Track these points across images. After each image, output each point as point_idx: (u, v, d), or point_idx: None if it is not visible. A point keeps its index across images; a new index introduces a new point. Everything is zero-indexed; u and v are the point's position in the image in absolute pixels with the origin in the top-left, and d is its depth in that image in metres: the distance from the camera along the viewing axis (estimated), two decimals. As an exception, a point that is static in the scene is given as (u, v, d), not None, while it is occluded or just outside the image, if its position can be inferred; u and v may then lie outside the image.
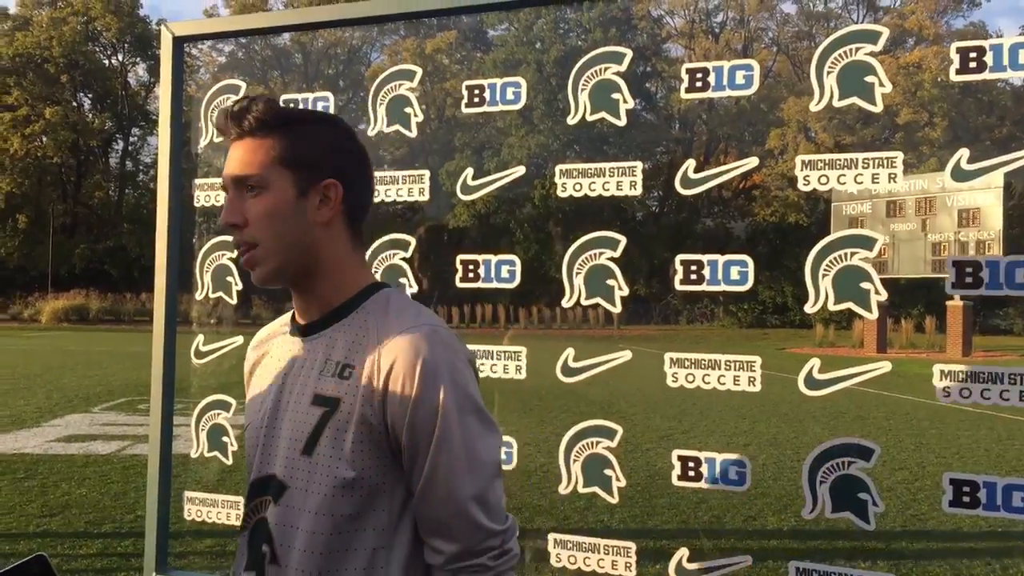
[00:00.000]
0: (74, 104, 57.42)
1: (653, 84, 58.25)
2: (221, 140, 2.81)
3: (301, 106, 2.65)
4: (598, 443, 2.36)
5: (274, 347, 1.54)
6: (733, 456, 2.24)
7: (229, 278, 2.81)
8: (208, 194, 2.84)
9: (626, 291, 2.31)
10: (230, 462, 2.86)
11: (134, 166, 62.42)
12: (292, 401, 1.43)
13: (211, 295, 2.84)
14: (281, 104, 1.49)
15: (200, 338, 2.87)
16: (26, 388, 14.33)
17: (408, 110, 2.60)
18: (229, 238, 2.78)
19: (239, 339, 2.94)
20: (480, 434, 1.36)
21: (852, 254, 2.10)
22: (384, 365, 1.34)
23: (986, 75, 2.01)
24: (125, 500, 6.87)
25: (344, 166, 1.45)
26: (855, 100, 2.11)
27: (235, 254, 2.81)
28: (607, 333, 32.33)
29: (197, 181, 2.86)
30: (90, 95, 59.50)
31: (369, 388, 1.35)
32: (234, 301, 2.83)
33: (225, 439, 2.84)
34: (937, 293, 29.55)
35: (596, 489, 2.37)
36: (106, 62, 59.89)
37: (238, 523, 2.86)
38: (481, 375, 2.48)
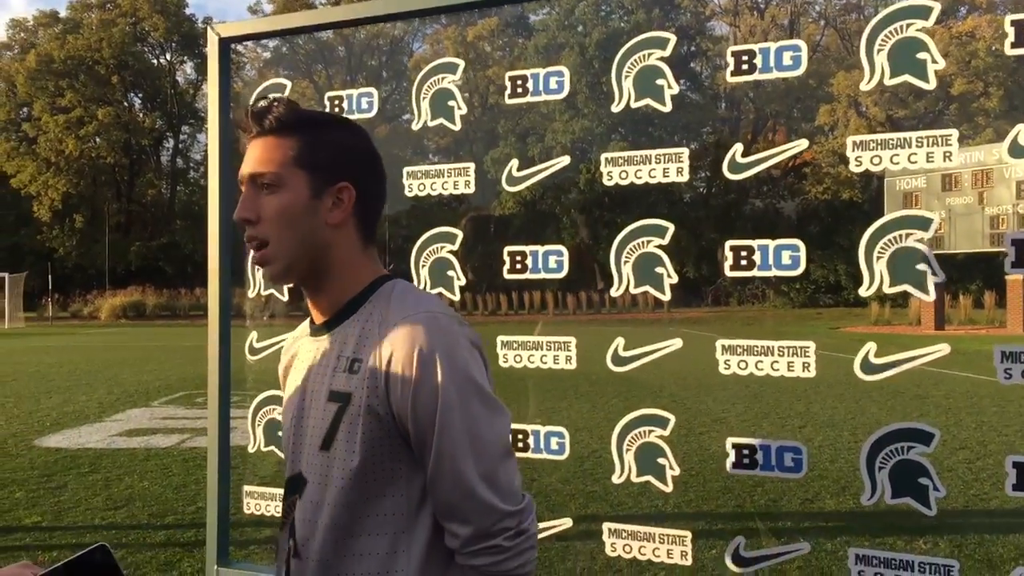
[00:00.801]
0: (125, 104, 58.52)
1: (698, 64, 57.61)
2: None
3: (345, 102, 2.67)
4: (651, 432, 2.34)
5: (300, 349, 1.58)
6: (789, 443, 2.21)
7: (280, 275, 2.84)
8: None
9: (675, 278, 2.29)
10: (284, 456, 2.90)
11: (184, 163, 63.56)
12: (313, 400, 1.47)
13: (263, 292, 2.87)
14: (302, 108, 1.52)
15: (254, 335, 2.92)
16: (87, 384, 14.68)
17: (451, 103, 2.60)
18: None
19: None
20: (483, 416, 1.37)
21: (907, 235, 2.06)
22: (385, 355, 1.37)
23: (1043, 47, 1.95)
24: (186, 492, 7.01)
25: (358, 170, 1.48)
26: (907, 78, 2.06)
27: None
28: (657, 317, 32.11)
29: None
30: (140, 95, 60.60)
31: (374, 379, 1.37)
32: (285, 298, 2.86)
33: (280, 433, 2.87)
34: (996, 268, 28.88)
35: (650, 478, 2.36)
36: (155, 62, 60.92)
37: (296, 516, 2.92)
38: (531, 366, 2.50)
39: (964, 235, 29.29)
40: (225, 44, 2.80)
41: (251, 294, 2.87)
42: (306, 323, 1.60)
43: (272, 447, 2.88)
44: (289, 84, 2.86)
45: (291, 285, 1.53)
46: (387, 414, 1.37)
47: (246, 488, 2.94)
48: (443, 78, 2.61)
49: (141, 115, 59.61)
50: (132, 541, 5.70)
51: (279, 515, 2.88)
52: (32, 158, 53.34)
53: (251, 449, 2.92)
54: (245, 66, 62.39)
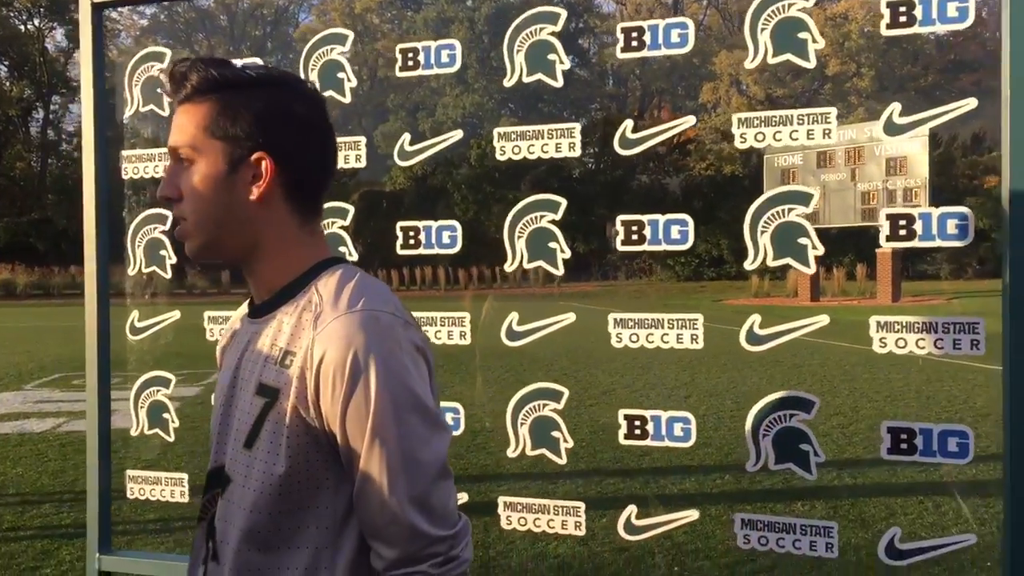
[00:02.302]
0: (-11, 72, 55.28)
1: (586, 40, 58.14)
2: (147, 109, 2.74)
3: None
4: (545, 406, 2.37)
5: (239, 330, 1.44)
6: (679, 413, 2.27)
7: (163, 252, 2.74)
8: (136, 166, 2.76)
9: (568, 253, 2.31)
10: (172, 439, 2.81)
11: (56, 135, 60.44)
12: (241, 388, 1.35)
13: (144, 269, 2.77)
14: (229, 66, 1.33)
15: (135, 313, 2.80)
16: (-47, 368, 13.92)
17: (341, 75, 2.55)
18: (161, 211, 2.71)
19: (176, 314, 2.88)
20: (420, 433, 1.24)
21: (789, 210, 2.13)
22: (316, 355, 1.23)
23: (916, 28, 2.04)
24: (63, 478, 6.74)
25: (279, 137, 1.31)
26: (789, 56, 2.12)
27: (168, 227, 2.74)
28: (547, 291, 32.48)
29: (124, 152, 2.77)
30: (6, 62, 57.28)
31: (302, 381, 1.24)
32: (168, 275, 2.76)
33: (166, 416, 2.79)
34: (867, 241, 30.24)
35: (544, 451, 2.39)
36: (21, 28, 57.65)
37: (182, 499, 2.84)
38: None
39: (838, 210, 30.61)
40: (98, 10, 2.67)
41: (131, 271, 2.76)
42: (247, 302, 1.45)
43: (156, 430, 2.79)
44: (169, 52, 2.74)
45: (216, 262, 1.37)
46: (315, 420, 1.24)
47: (129, 472, 2.84)
48: (332, 49, 2.55)
49: (8, 84, 56.40)
50: (8, 529, 5.46)
51: (164, 499, 2.81)
52: None
53: (134, 432, 2.82)
54: (120, 34, 59.71)
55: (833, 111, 2.11)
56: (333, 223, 2.58)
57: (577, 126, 2.33)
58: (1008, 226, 1.93)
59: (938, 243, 2.01)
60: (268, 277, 1.35)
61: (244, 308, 1.46)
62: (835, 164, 30.52)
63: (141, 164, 2.75)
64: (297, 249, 1.35)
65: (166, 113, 2.69)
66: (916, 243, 2.02)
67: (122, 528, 5.31)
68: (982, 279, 38.05)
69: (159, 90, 2.70)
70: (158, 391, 2.79)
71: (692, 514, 2.39)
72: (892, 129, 2.11)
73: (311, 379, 1.23)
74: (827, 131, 2.11)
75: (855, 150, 30.13)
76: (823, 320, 2.19)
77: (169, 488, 2.78)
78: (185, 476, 2.80)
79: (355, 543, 1.28)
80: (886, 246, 2.08)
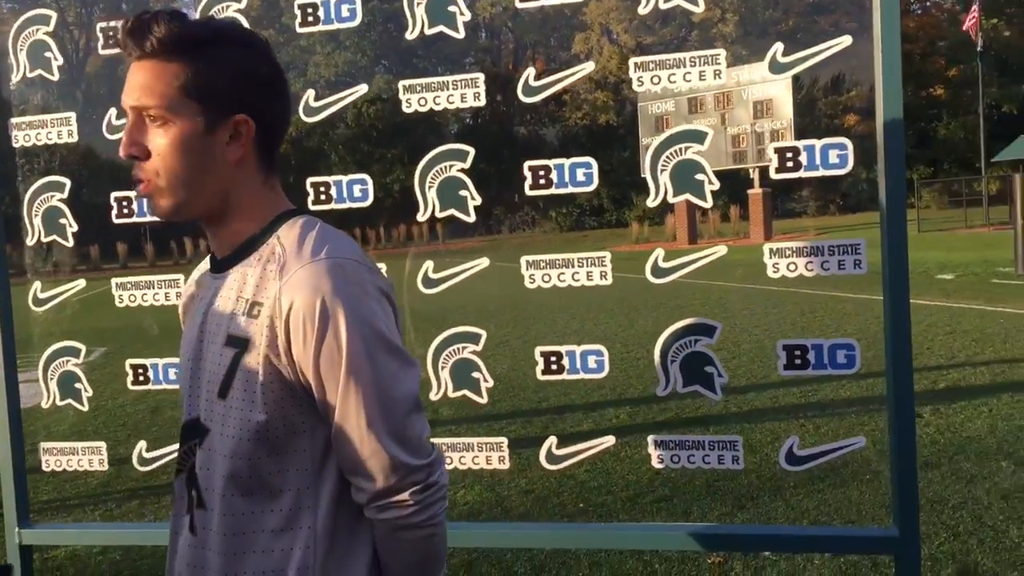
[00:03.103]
0: None
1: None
2: (35, 74, 2.66)
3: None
4: (464, 348, 2.46)
5: (200, 286, 1.47)
6: (591, 347, 2.39)
7: (63, 220, 2.69)
8: (28, 133, 2.68)
9: (479, 201, 2.39)
10: (86, 408, 2.78)
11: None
12: (209, 341, 1.37)
13: (44, 239, 2.71)
14: (190, 20, 1.32)
15: (37, 285, 2.74)
16: None
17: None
18: (58, 178, 2.65)
19: (81, 282, 2.83)
20: (391, 370, 1.30)
21: (687, 148, 2.26)
22: (284, 304, 1.27)
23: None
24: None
25: (258, 98, 1.34)
26: (680, 2, 2.23)
27: (66, 195, 2.68)
28: (432, 248, 32.48)
29: (14, 120, 2.68)
30: None
31: (272, 330, 1.28)
32: (70, 244, 2.71)
33: (78, 386, 2.75)
34: (740, 183, 31.37)
35: (466, 392, 2.48)
36: None
37: (101, 468, 2.82)
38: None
39: (711, 154, 31.14)
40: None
41: (30, 242, 2.69)
42: (207, 259, 1.47)
43: (69, 400, 2.75)
44: (54, 15, 2.66)
45: (182, 221, 1.38)
46: (287, 366, 1.29)
47: (43, 445, 2.80)
48: (228, 7, 2.53)
49: None
50: None
51: (81, 468, 2.78)
52: None
53: (45, 405, 2.77)
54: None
55: (723, 53, 2.24)
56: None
57: (481, 76, 2.39)
58: (882, 160, 2.11)
59: (821, 172, 2.17)
60: (235, 229, 1.38)
61: (204, 265, 1.48)
62: (706, 110, 31.40)
63: (33, 131, 2.67)
64: (261, 202, 1.38)
65: (56, 78, 2.62)
66: (802, 173, 2.19)
67: (42, 500, 5.17)
68: (844, 214, 40.04)
69: (47, 54, 2.62)
70: (68, 361, 2.75)
71: (609, 439, 2.53)
72: (776, 68, 2.25)
73: (281, 327, 1.27)
74: (717, 72, 2.24)
75: (724, 95, 31.05)
76: (721, 251, 2.35)
77: (87, 457, 2.75)
78: (103, 444, 2.78)
79: (335, 482, 1.33)
80: (776, 177, 2.23)
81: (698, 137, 2.29)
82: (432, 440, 1.39)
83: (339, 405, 1.28)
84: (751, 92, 30.28)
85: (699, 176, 2.27)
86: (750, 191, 30.95)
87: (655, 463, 2.39)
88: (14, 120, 2.68)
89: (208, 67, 1.29)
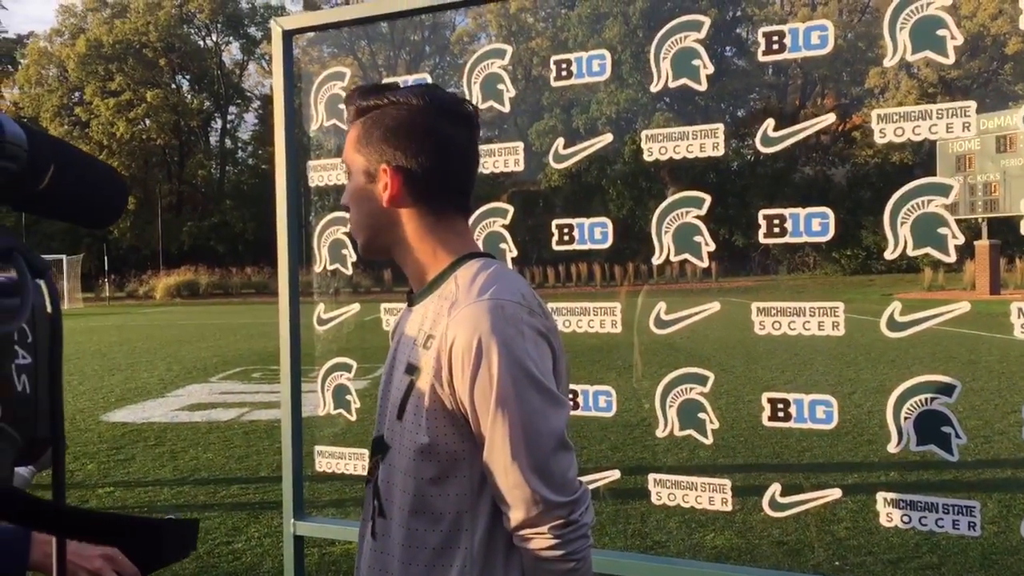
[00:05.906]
0: (173, 86, 59.41)
1: (743, 29, 56.80)
2: (331, 123, 3.06)
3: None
4: (691, 389, 2.52)
5: (402, 317, 1.65)
6: (820, 396, 2.37)
7: (344, 251, 3.06)
8: (321, 174, 3.08)
9: (713, 247, 2.45)
10: (354, 419, 3.12)
11: (233, 144, 64.37)
12: (396, 367, 1.55)
13: (328, 267, 3.09)
14: (377, 88, 1.56)
15: (321, 307, 3.13)
16: (147, 361, 15.17)
17: (500, 87, 2.77)
18: (343, 214, 3.03)
19: (356, 306, 3.20)
20: (537, 407, 1.38)
21: (928, 202, 2.20)
22: (449, 338, 1.40)
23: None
24: (248, 463, 7.33)
25: (397, 150, 1.49)
26: (928, 54, 2.19)
27: (348, 228, 3.04)
28: (704, 287, 32.03)
29: (311, 163, 3.10)
30: (188, 76, 61.40)
31: (438, 360, 1.41)
32: (350, 272, 3.08)
33: (348, 398, 3.09)
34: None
35: (691, 432, 2.54)
36: (201, 43, 61.66)
37: (363, 472, 3.14)
38: (580, 330, 2.67)
39: (1020, 196, 28.69)
40: (288, 36, 3.00)
41: (317, 269, 3.09)
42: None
43: (340, 410, 3.11)
44: (348, 72, 3.06)
45: (380, 259, 1.60)
46: (450, 396, 1.41)
47: (317, 448, 3.17)
48: (492, 63, 2.78)
49: (189, 96, 60.50)
50: (201, 508, 6.04)
51: (347, 472, 3.12)
52: (85, 142, 54.37)
53: (320, 412, 3.14)
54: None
55: (973, 104, 2.15)
56: (495, 222, 2.81)
57: (720, 127, 2.45)
58: None
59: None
60: (415, 270, 1.55)
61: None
62: (1016, 148, 28.64)
63: (325, 172, 3.07)
64: (437, 245, 1.53)
65: (346, 128, 3.00)
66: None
67: (309, 497, 5.77)
68: None
69: (340, 106, 3.01)
70: (341, 375, 3.11)
71: (836, 492, 2.49)
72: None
73: (445, 359, 1.41)
74: (967, 124, 2.17)
75: (1037, 134, 28.21)
76: (964, 307, 2.24)
77: (353, 462, 3.09)
78: (365, 451, 3.10)
79: (490, 508, 1.45)
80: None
81: (942, 190, 2.22)
82: (580, 479, 1.45)
83: (488, 436, 1.39)
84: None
85: (942, 230, 2.19)
86: None
87: (883, 521, 2.32)
88: (311, 163, 3.10)
89: (366, 126, 1.53)
